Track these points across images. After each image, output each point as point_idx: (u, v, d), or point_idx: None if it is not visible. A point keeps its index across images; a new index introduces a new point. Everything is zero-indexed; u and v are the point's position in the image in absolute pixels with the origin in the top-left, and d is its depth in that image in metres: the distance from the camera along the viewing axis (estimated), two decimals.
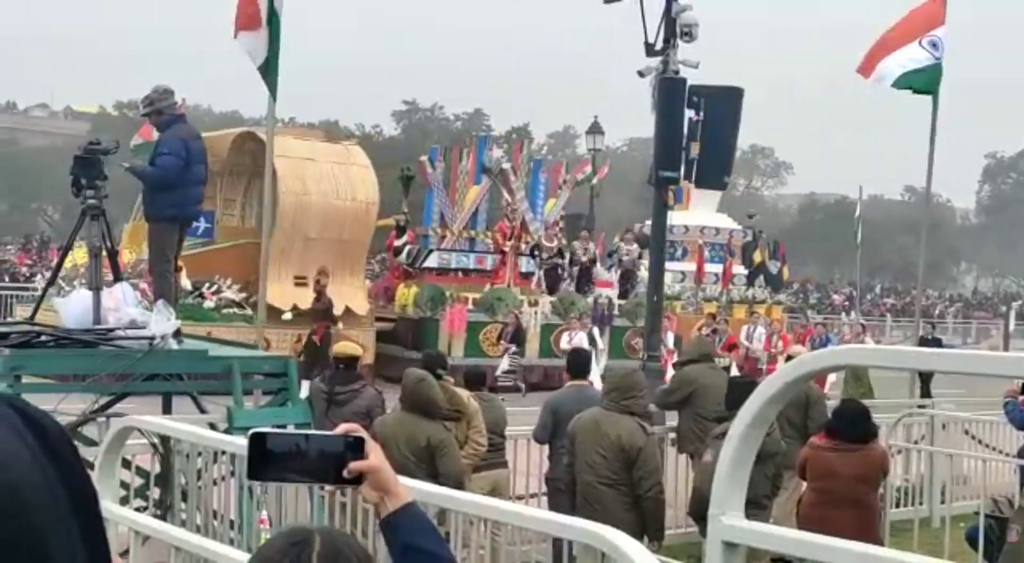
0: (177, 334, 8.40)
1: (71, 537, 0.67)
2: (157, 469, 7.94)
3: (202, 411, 8.89)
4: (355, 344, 10.78)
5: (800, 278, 70.50)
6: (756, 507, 6.85)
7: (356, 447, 2.01)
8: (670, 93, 12.24)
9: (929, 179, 14.49)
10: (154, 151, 10.24)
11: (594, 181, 34.50)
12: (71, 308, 8.36)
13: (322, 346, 18.04)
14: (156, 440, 7.50)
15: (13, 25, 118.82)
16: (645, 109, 13.01)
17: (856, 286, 57.31)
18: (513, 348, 21.95)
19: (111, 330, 8.04)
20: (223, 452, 6.76)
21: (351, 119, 75.47)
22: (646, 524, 7.27)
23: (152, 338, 7.98)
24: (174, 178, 9.72)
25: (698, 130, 12.16)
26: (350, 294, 22.33)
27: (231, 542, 6.70)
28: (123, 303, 8.24)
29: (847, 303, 57.86)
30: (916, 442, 12.53)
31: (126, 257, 21.40)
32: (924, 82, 13.73)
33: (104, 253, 8.78)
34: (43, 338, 7.93)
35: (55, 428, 0.71)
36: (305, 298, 21.35)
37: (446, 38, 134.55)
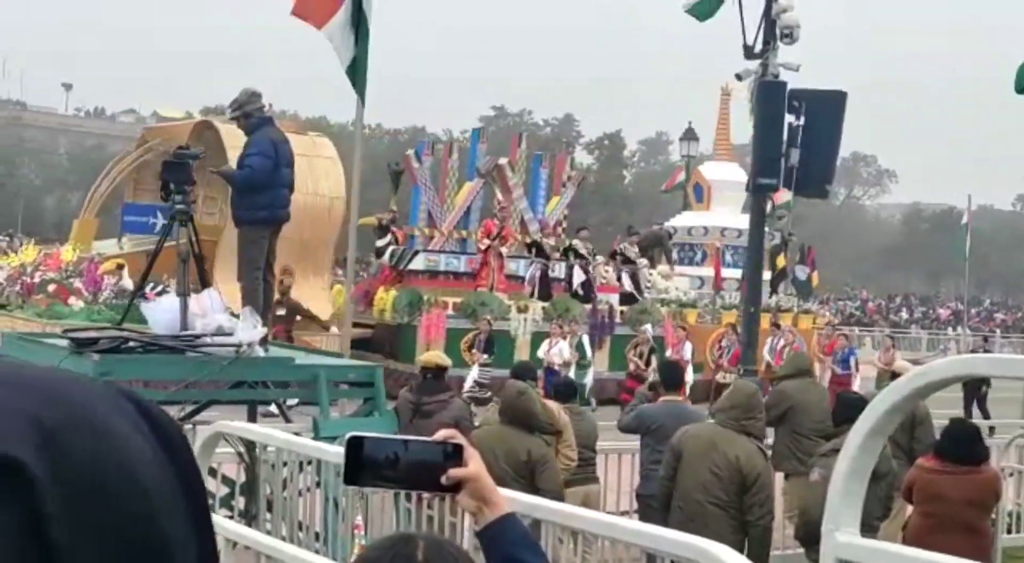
0: (264, 341, 8.52)
1: (187, 532, 0.68)
2: (243, 478, 8.06)
3: (287, 420, 9.02)
4: (443, 354, 10.82)
5: (903, 291, 69.37)
6: (867, 530, 6.66)
7: (455, 454, 2.00)
8: (769, 97, 12.10)
9: None
10: (242, 153, 10.37)
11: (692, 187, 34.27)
12: (159, 314, 8.54)
13: None
14: (242, 449, 7.61)
15: (103, 32, 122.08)
16: (743, 114, 12.91)
17: (963, 300, 56.06)
18: (484, 358, 20.12)
19: (198, 336, 8.19)
20: (309, 462, 6.85)
21: (439, 125, 76.11)
22: (751, 550, 7.12)
23: (239, 345, 8.11)
24: (264, 179, 9.80)
25: (798, 136, 11.99)
26: (313, 295, 21.03)
27: (316, 553, 6.77)
28: (211, 309, 8.38)
29: (953, 317, 56.59)
30: None
31: (68, 254, 21.52)
32: None
33: (192, 258, 8.96)
34: (131, 344, 8.10)
35: (171, 423, 0.73)
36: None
37: (538, 41, 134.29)
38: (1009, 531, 11.05)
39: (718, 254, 28.83)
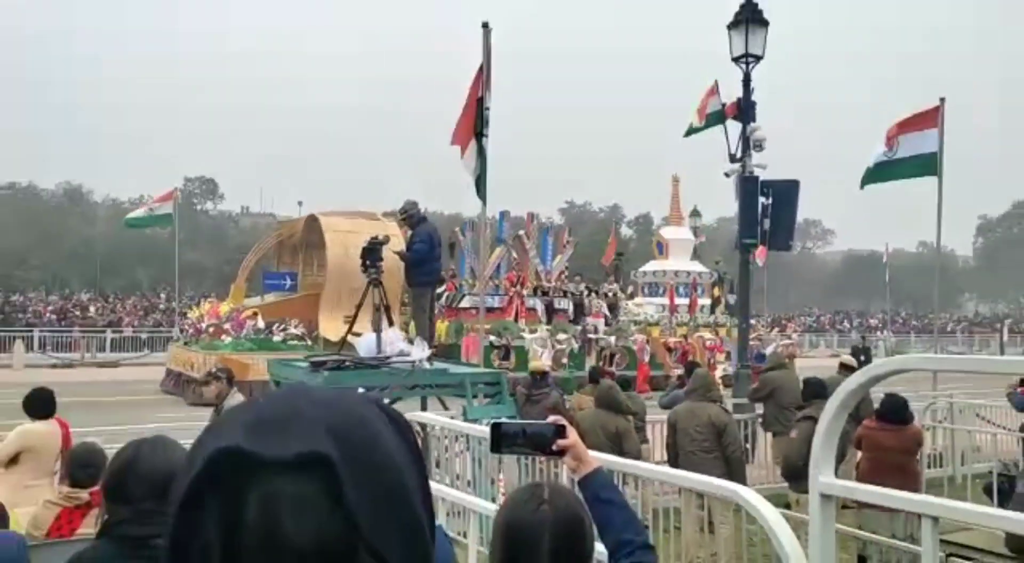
0: (430, 358, 8.59)
1: (420, 488, 0.69)
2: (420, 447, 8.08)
3: (445, 408, 9.05)
4: (544, 361, 10.79)
5: (844, 309, 67.21)
6: None
7: (561, 431, 2.01)
8: (748, 187, 11.93)
9: (939, 235, 13.62)
10: (410, 240, 10.57)
11: (699, 246, 33.65)
12: (363, 343, 8.67)
13: None
14: (418, 427, 7.65)
15: (295, 146, 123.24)
16: (730, 198, 12.68)
17: (887, 312, 54.16)
18: (504, 364, 19.85)
19: (388, 357, 8.30)
20: (462, 435, 6.86)
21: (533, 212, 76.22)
22: (732, 476, 6.97)
23: (414, 361, 8.20)
24: (425, 256, 10.03)
25: (768, 210, 11.81)
26: None
27: (469, 494, 6.74)
28: (395, 339, 8.50)
29: (880, 325, 54.66)
30: (940, 422, 11.65)
31: (224, 308, 21.54)
32: (914, 169, 13.12)
33: (383, 308, 9.09)
34: (347, 363, 8.24)
35: (401, 417, 0.74)
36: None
37: (598, 140, 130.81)
38: (930, 467, 10.57)
39: (672, 289, 28.08)
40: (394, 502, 0.66)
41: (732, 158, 12.30)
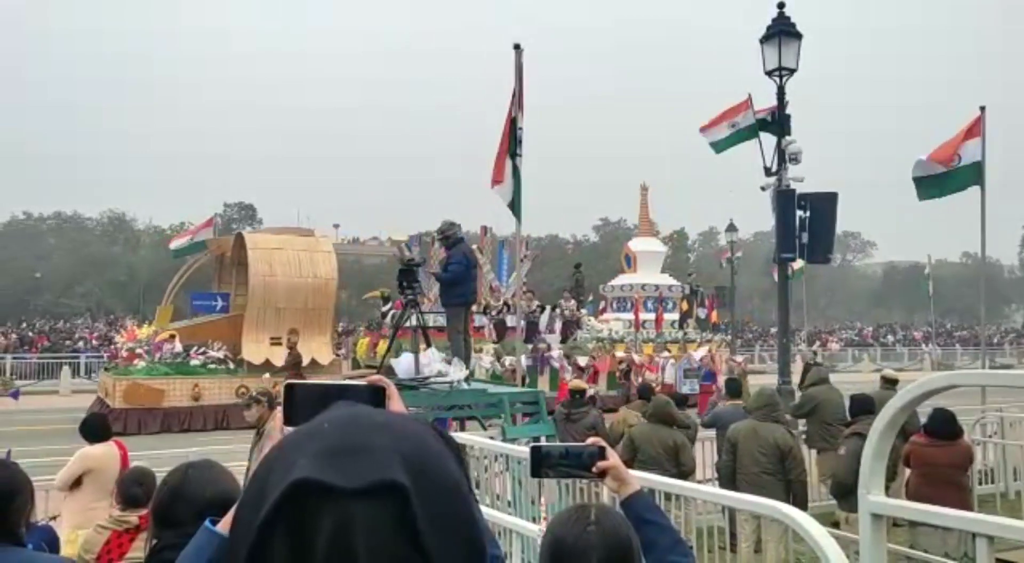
0: (467, 379, 8.59)
1: (472, 498, 0.72)
2: None
3: (484, 428, 9.04)
4: (584, 382, 10.73)
5: (887, 322, 65.89)
6: None
7: (601, 453, 2.00)
8: (785, 201, 11.78)
9: (983, 245, 13.32)
10: (446, 261, 10.58)
11: (735, 261, 33.39)
12: (401, 364, 8.71)
13: None
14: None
15: (353, 183, 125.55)
16: (767, 211, 12.53)
17: (931, 326, 53.00)
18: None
19: (427, 378, 8.32)
20: (501, 455, 6.84)
21: (568, 231, 76.21)
22: (795, 499, 6.82)
23: (452, 382, 8.21)
24: (461, 277, 10.03)
25: (806, 224, 11.64)
26: (317, 349, 19.40)
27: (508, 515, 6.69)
28: (433, 360, 8.52)
29: (926, 338, 53.47)
30: (991, 436, 11.33)
31: (145, 331, 20.53)
32: (963, 180, 12.84)
33: (421, 329, 9.12)
34: None
35: (450, 437, 0.77)
36: (278, 354, 18.31)
37: (635, 162, 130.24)
38: (981, 483, 10.29)
39: (639, 303, 26.56)
40: (460, 529, 0.67)
41: (767, 172, 12.19)
